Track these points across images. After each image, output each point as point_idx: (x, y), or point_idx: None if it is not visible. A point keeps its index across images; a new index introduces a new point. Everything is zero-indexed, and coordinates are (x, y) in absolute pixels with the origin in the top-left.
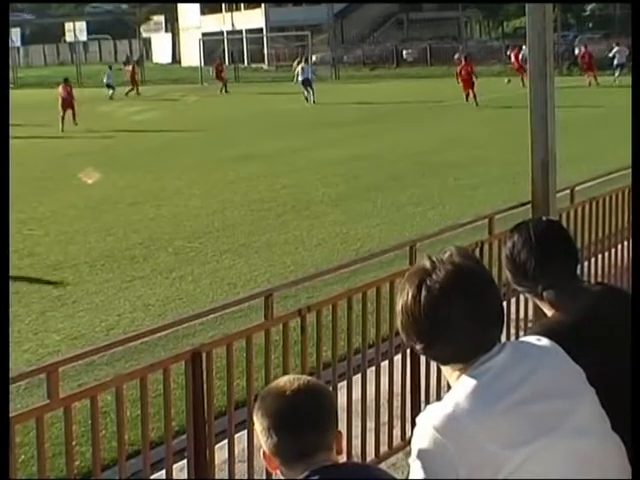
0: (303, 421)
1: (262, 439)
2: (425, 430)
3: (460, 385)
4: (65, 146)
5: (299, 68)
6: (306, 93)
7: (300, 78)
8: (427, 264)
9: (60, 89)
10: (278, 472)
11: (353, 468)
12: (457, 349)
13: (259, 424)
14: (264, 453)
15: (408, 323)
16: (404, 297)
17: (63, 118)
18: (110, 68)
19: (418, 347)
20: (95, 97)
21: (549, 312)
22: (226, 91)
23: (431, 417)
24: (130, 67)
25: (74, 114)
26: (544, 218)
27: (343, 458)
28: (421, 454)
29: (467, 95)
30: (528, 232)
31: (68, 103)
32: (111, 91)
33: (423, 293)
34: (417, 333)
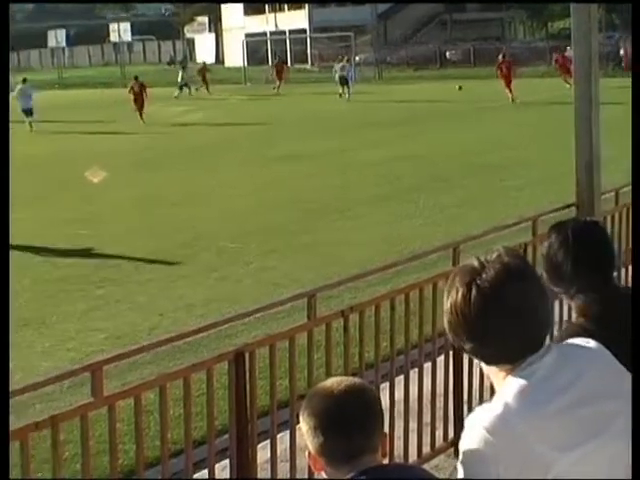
0: (350, 422)
1: (308, 439)
2: (475, 431)
3: (508, 386)
4: (107, 146)
5: (338, 66)
6: (341, 90)
7: (338, 75)
8: (476, 264)
9: (132, 86)
10: (323, 473)
11: (398, 469)
12: (506, 349)
13: (305, 424)
14: (309, 453)
15: (457, 322)
16: (453, 296)
17: (141, 114)
18: (184, 68)
19: (467, 347)
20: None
21: (576, 317)
22: (278, 91)
23: (480, 418)
24: (201, 67)
25: (141, 110)
26: (584, 219)
27: (386, 460)
28: (471, 454)
29: (510, 91)
30: (566, 233)
31: (140, 99)
32: (177, 91)
33: (473, 292)
34: (466, 333)
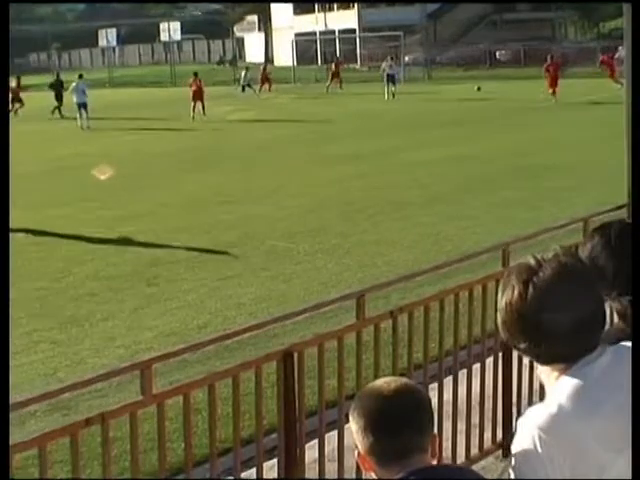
0: (400, 422)
1: (358, 439)
2: (529, 430)
3: (562, 386)
4: (159, 145)
5: (385, 64)
6: (386, 87)
7: (385, 73)
8: (532, 262)
9: (191, 83)
10: (372, 473)
11: (448, 470)
12: (561, 349)
13: (355, 423)
14: (358, 453)
15: (512, 321)
16: (509, 294)
17: (194, 109)
18: (247, 69)
19: (521, 346)
20: (188, 97)
21: (617, 320)
22: (340, 87)
23: (535, 417)
24: (262, 66)
25: (203, 107)
26: (628, 220)
27: (435, 460)
28: (525, 454)
29: (553, 92)
30: (609, 235)
31: (198, 96)
32: (251, 90)
33: (530, 291)
34: (522, 331)
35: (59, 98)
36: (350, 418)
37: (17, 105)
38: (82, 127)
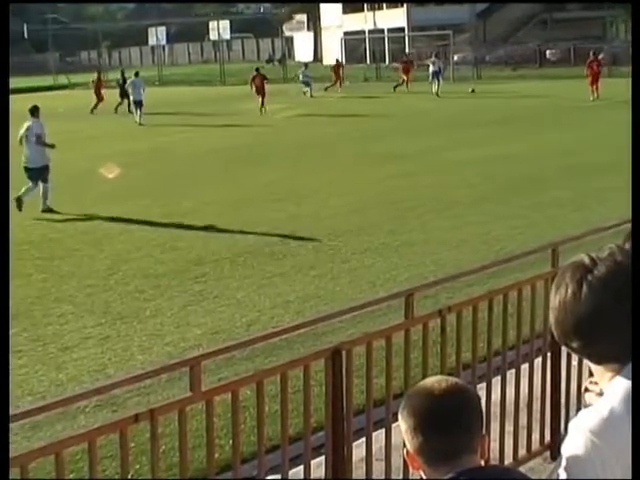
0: (450, 422)
1: (407, 438)
2: (580, 434)
3: (615, 387)
4: (210, 142)
5: (430, 62)
6: (433, 84)
7: (431, 70)
8: (586, 260)
9: (253, 78)
10: (420, 472)
11: (497, 471)
12: (615, 348)
13: (405, 423)
14: (407, 452)
15: (566, 319)
16: (562, 293)
17: (262, 104)
18: (306, 66)
19: (574, 344)
20: (237, 95)
21: None
22: (407, 88)
23: (586, 421)
24: (335, 64)
25: (263, 102)
26: None
27: (483, 461)
28: (576, 458)
29: (595, 90)
30: None
31: (261, 91)
32: (307, 88)
33: (584, 289)
34: (575, 330)
35: (124, 95)
36: (399, 417)
37: (97, 101)
38: (139, 123)
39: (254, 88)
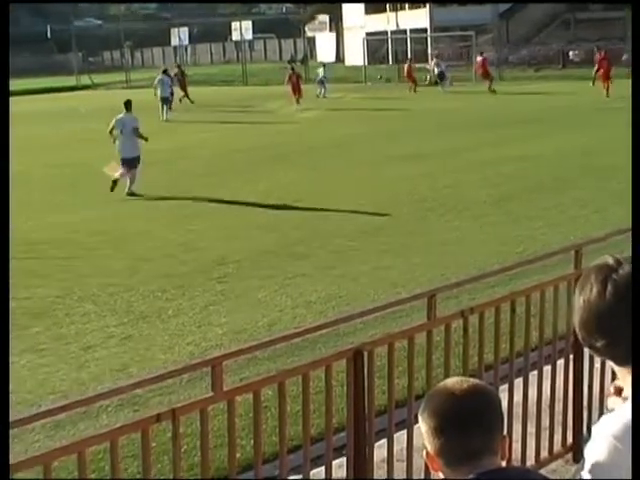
0: (471, 423)
1: (427, 439)
2: (603, 439)
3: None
4: (233, 142)
5: (433, 64)
6: (439, 83)
7: (436, 71)
8: (610, 261)
9: (290, 77)
10: (440, 473)
11: (517, 472)
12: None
13: (425, 424)
14: (427, 453)
15: (590, 320)
16: (587, 293)
17: (297, 100)
18: (324, 66)
19: (598, 344)
20: (260, 95)
21: None
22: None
23: (609, 426)
24: (407, 62)
25: (300, 96)
26: None
27: (505, 462)
28: (599, 463)
29: (607, 88)
30: None
31: (296, 88)
32: (321, 89)
33: (609, 289)
34: (599, 330)
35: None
36: (420, 418)
37: (182, 95)
38: (165, 120)
39: (290, 86)
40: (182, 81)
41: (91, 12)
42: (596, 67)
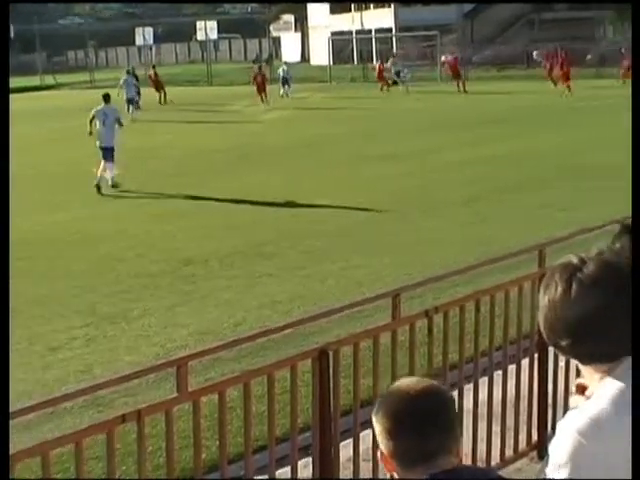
0: (426, 423)
1: (381, 440)
2: (568, 435)
3: (605, 388)
4: (202, 142)
5: (390, 63)
6: (398, 82)
7: (393, 71)
8: (575, 260)
9: (255, 76)
10: (394, 474)
11: (472, 471)
12: (605, 347)
13: (379, 425)
14: (381, 454)
15: (555, 318)
16: (552, 292)
17: (261, 99)
18: (286, 64)
19: (563, 343)
20: (224, 95)
21: None
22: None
23: (574, 422)
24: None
25: (265, 96)
26: None
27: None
28: (563, 458)
29: (568, 87)
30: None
31: (262, 88)
32: (285, 88)
33: (574, 287)
34: (565, 328)
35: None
36: (373, 419)
37: (160, 93)
38: (132, 120)
39: (256, 86)
40: (157, 82)
41: (56, 12)
42: (547, 67)
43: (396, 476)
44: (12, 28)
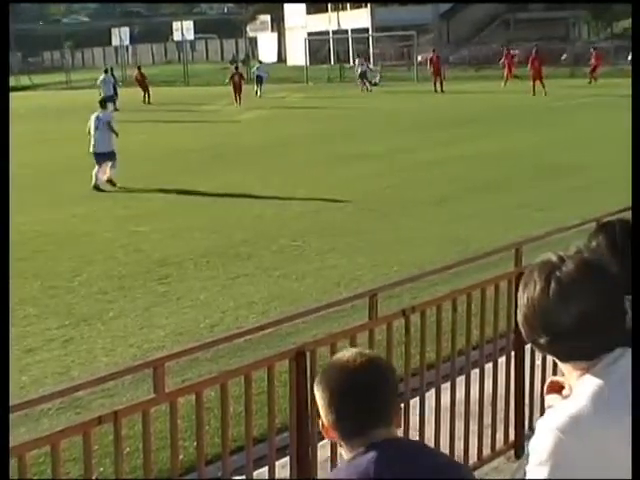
0: (365, 396)
1: (322, 412)
2: (548, 431)
3: (584, 386)
4: (178, 142)
5: (357, 63)
6: (362, 84)
7: (358, 71)
8: (554, 258)
9: (232, 76)
10: (338, 443)
11: (410, 442)
12: (582, 345)
13: (320, 397)
14: (323, 425)
15: (534, 316)
16: (531, 290)
17: (236, 99)
18: (260, 63)
19: (542, 341)
20: (201, 95)
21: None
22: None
23: (554, 419)
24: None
25: (240, 97)
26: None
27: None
28: (543, 456)
29: (534, 87)
30: (613, 232)
31: (239, 87)
32: (259, 87)
33: (552, 285)
34: (543, 326)
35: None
36: (315, 391)
37: (145, 93)
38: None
39: (232, 85)
40: (142, 82)
41: (32, 12)
42: (506, 66)
43: (339, 446)
44: None
